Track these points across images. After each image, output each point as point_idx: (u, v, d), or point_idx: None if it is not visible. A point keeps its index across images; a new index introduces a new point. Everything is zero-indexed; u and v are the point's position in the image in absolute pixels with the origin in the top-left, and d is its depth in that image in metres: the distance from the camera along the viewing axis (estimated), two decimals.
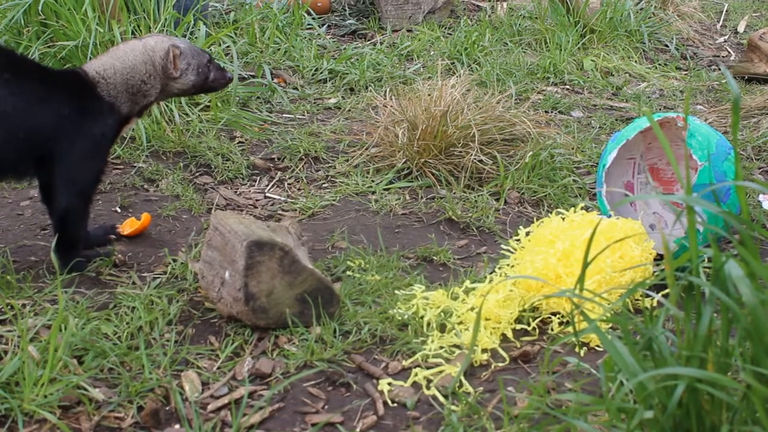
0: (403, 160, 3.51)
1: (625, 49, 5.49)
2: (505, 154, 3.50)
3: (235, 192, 3.39)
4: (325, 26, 5.79)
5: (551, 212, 2.98)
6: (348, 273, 2.72)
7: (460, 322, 2.44)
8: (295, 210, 3.22)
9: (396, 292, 2.60)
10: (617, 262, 2.53)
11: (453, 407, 2.10)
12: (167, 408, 2.09)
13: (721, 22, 6.68)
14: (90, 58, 3.64)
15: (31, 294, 2.52)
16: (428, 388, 2.18)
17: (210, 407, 2.11)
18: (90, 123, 2.63)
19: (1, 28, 3.85)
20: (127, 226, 2.92)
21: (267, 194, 3.39)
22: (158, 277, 2.67)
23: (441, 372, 2.23)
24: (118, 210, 3.13)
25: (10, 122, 2.49)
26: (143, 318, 2.40)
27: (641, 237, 2.62)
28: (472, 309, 2.45)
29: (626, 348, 1.68)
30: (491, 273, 2.70)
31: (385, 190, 3.39)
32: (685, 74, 5.29)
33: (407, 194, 3.37)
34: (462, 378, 2.21)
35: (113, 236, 2.88)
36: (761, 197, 3.31)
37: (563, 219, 2.73)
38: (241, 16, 5.36)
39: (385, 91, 4.24)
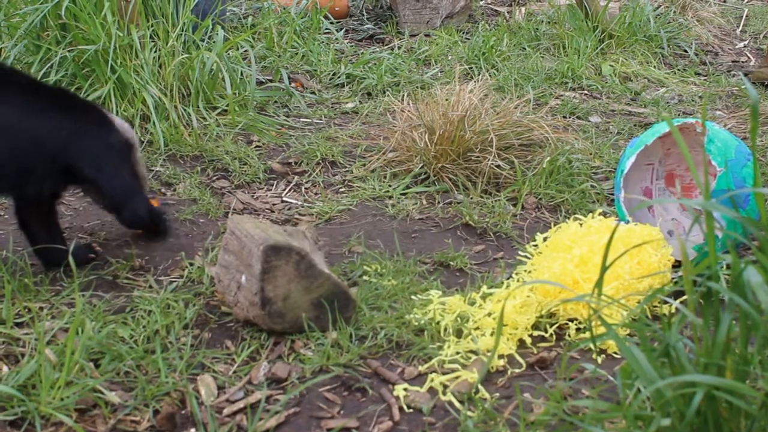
0: (421, 164, 3.50)
1: (644, 54, 5.47)
2: (522, 159, 3.49)
3: (252, 196, 3.39)
4: (342, 31, 5.79)
5: (569, 218, 2.96)
6: (364, 278, 2.72)
7: (477, 328, 2.43)
8: (312, 214, 3.23)
9: (412, 297, 2.60)
10: (635, 269, 2.52)
11: (469, 413, 2.09)
12: (183, 412, 2.10)
13: (740, 28, 6.64)
14: (111, 63, 3.67)
15: (49, 297, 2.53)
16: (444, 393, 2.17)
17: (226, 411, 2.11)
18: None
19: (21, 32, 3.87)
20: None
21: (284, 198, 3.39)
22: (175, 281, 2.67)
23: (457, 377, 2.22)
24: None
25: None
26: (160, 321, 2.41)
27: (659, 243, 2.60)
28: (489, 314, 2.45)
29: (644, 355, 1.66)
30: (508, 278, 2.69)
31: (402, 194, 3.39)
32: (705, 79, 5.26)
33: (424, 199, 3.36)
34: (478, 384, 2.20)
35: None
36: None
37: (581, 224, 2.72)
38: (259, 21, 5.38)
39: (403, 96, 4.23)
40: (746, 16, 6.89)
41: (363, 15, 6.24)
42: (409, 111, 3.73)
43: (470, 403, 2.14)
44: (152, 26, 3.99)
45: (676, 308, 2.38)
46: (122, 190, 2.71)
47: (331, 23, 5.58)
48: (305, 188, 3.48)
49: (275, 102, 4.35)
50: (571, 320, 2.48)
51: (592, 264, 2.51)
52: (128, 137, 2.76)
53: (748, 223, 1.60)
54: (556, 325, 2.47)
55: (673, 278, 2.58)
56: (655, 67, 5.35)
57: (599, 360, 2.33)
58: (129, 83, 3.75)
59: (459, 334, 2.43)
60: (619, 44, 5.49)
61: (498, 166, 3.41)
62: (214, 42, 4.15)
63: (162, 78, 3.87)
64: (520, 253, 2.87)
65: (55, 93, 2.78)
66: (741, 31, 6.57)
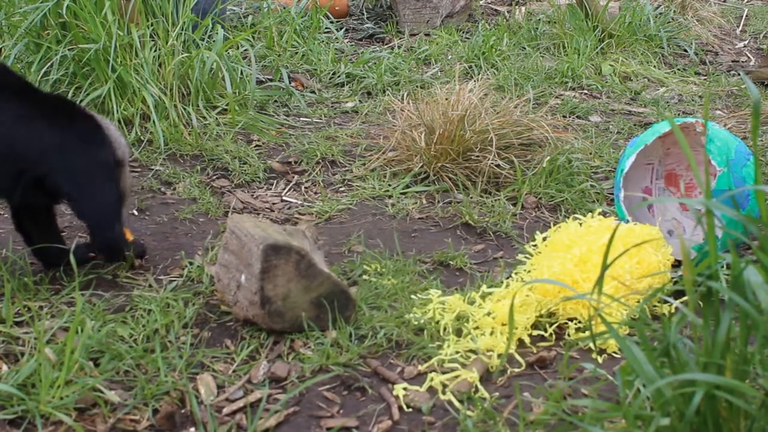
0: (420, 164, 3.50)
1: (644, 54, 5.47)
2: (522, 159, 3.49)
3: (252, 195, 3.39)
4: (342, 30, 5.79)
5: (568, 217, 2.96)
6: (364, 277, 2.71)
7: (476, 327, 2.43)
8: (312, 214, 3.22)
9: (412, 296, 2.60)
10: (635, 268, 2.52)
11: (468, 412, 2.09)
12: (182, 411, 2.09)
13: (740, 27, 6.64)
14: (111, 62, 3.67)
15: (48, 296, 2.53)
16: (444, 393, 2.17)
17: (225, 410, 2.11)
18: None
19: (21, 31, 3.87)
20: None
21: (284, 198, 3.39)
22: (174, 280, 2.67)
23: (457, 377, 2.22)
24: (135, 213, 3.14)
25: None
26: (159, 321, 2.40)
27: (659, 243, 2.60)
28: (488, 314, 2.45)
29: (644, 354, 1.66)
30: (508, 278, 2.69)
31: (401, 194, 3.39)
32: (704, 79, 5.26)
33: (424, 198, 3.36)
34: (477, 383, 2.20)
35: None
36: None
37: (580, 224, 2.72)
38: (259, 20, 5.37)
39: (403, 95, 4.23)
40: (746, 15, 6.89)
41: (363, 14, 6.24)
42: (408, 110, 3.72)
43: (470, 403, 2.14)
44: (152, 25, 3.99)
45: (676, 308, 2.38)
46: (101, 217, 2.58)
47: (331, 22, 5.57)
48: (305, 187, 3.48)
49: (275, 101, 4.35)
50: (571, 320, 2.48)
51: (591, 263, 2.51)
52: (119, 153, 2.61)
53: (748, 222, 1.60)
54: (556, 324, 2.47)
55: (673, 278, 2.58)
56: (655, 66, 5.35)
57: (599, 359, 2.33)
58: (129, 82, 3.75)
59: (459, 333, 2.43)
60: (619, 44, 5.49)
61: (498, 166, 3.41)
62: (214, 41, 4.15)
63: (162, 77, 3.87)
64: (519, 252, 2.87)
65: (47, 100, 2.63)
66: (741, 31, 6.57)
